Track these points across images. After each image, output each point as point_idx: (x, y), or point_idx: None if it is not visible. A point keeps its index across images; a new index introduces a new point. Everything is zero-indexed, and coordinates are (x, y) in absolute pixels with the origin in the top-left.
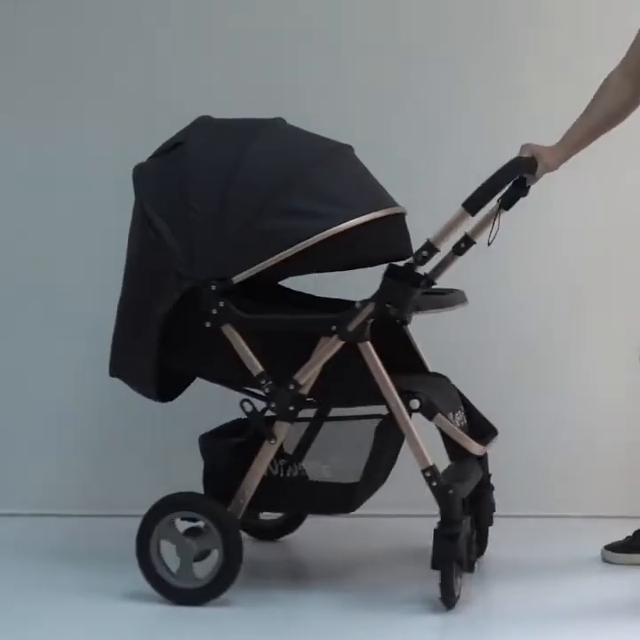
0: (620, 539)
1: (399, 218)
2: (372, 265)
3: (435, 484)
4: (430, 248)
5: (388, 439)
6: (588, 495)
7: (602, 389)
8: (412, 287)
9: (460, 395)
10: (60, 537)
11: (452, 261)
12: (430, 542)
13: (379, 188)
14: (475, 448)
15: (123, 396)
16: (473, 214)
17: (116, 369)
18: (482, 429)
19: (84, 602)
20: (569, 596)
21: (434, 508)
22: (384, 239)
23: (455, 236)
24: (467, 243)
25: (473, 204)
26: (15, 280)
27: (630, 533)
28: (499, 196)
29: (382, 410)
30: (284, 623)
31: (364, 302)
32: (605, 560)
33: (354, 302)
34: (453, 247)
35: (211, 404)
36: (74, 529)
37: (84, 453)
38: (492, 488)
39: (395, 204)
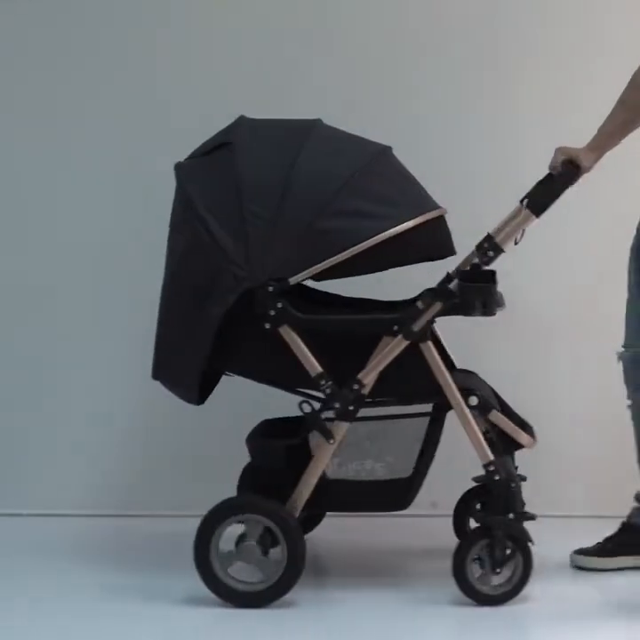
0: (584, 541)
1: (443, 218)
2: (414, 263)
3: (497, 477)
4: (496, 248)
5: (439, 434)
6: (576, 495)
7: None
8: (492, 284)
9: (493, 390)
10: (96, 538)
11: (474, 259)
12: (438, 541)
13: (422, 188)
14: (527, 441)
15: (152, 396)
16: (538, 216)
17: (160, 371)
18: (517, 423)
19: (144, 605)
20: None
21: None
22: (432, 239)
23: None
24: (489, 242)
25: (538, 207)
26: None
27: (599, 539)
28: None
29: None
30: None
31: (428, 302)
32: (576, 565)
33: (381, 301)
34: (477, 246)
35: (232, 405)
36: (111, 529)
37: (114, 453)
38: (525, 478)
39: (438, 205)
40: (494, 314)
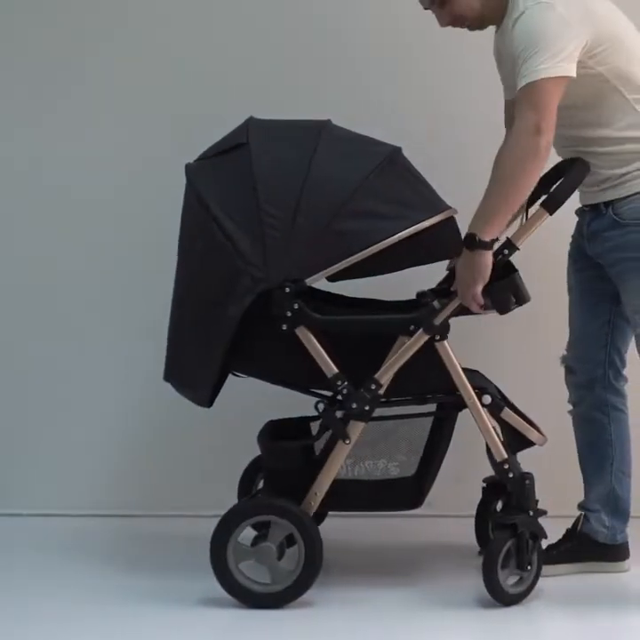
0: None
1: (453, 218)
2: (427, 263)
3: (511, 475)
4: (511, 246)
5: (450, 433)
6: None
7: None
8: (518, 279)
9: (497, 388)
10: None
11: None
12: (437, 540)
13: (432, 189)
14: (538, 438)
15: (159, 396)
16: (551, 214)
17: (172, 373)
18: (525, 420)
19: (160, 607)
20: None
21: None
22: (444, 239)
23: None
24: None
25: (552, 205)
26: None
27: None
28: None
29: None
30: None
31: (445, 301)
32: None
33: (387, 301)
34: None
35: (242, 405)
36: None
37: (122, 454)
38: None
39: (449, 206)
40: (509, 310)
